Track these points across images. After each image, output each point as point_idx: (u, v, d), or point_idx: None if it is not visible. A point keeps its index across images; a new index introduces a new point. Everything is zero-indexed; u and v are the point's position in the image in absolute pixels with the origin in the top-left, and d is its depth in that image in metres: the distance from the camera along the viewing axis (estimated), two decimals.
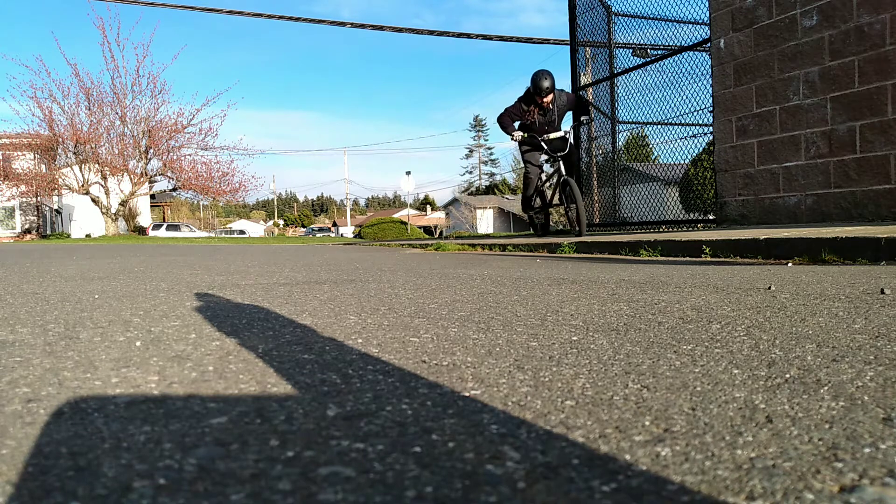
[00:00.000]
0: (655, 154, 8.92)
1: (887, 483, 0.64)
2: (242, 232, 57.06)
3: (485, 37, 16.74)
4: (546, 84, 7.20)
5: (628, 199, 9.07)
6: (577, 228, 7.02)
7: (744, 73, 6.48)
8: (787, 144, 6.08)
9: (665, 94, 8.07)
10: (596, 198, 9.41)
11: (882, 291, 2.11)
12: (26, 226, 29.64)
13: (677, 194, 8.49)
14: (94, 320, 1.81)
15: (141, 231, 30.50)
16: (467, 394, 0.99)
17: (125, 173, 25.46)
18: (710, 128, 7.09)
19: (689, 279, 2.79)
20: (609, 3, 9.07)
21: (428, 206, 77.36)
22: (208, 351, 1.35)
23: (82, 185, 25.28)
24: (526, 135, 7.50)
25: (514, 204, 56.58)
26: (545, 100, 7.26)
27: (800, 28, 5.91)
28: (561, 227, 6.70)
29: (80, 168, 25.21)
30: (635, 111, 8.69)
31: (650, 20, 8.34)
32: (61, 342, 1.46)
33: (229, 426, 0.84)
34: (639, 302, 2.05)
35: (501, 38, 16.72)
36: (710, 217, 7.54)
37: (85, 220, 33.44)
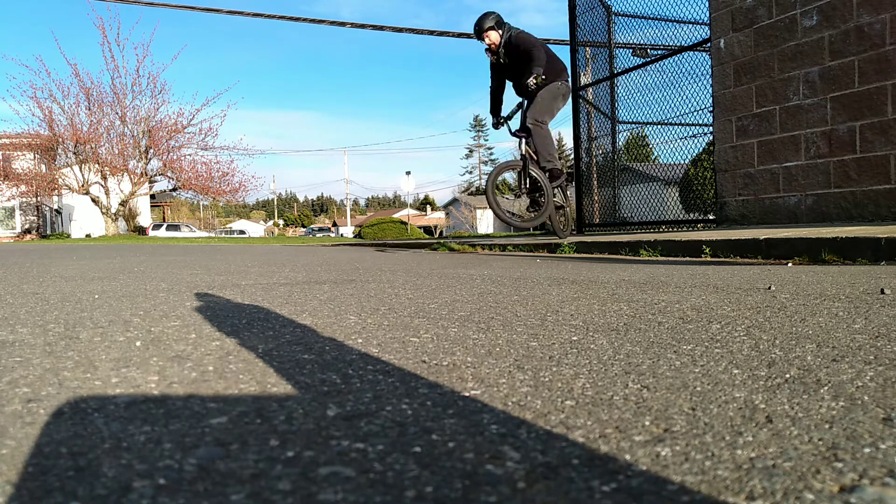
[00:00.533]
0: (655, 154, 8.92)
1: (887, 483, 0.64)
2: (242, 232, 57.07)
3: None
4: (485, 23, 5.92)
5: (628, 199, 9.07)
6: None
7: (744, 73, 6.48)
8: (787, 144, 6.08)
9: (665, 94, 8.08)
10: (596, 198, 9.41)
11: (882, 291, 2.11)
12: (26, 226, 29.63)
13: (677, 194, 8.49)
14: (94, 320, 1.81)
15: (141, 231, 30.49)
16: (467, 394, 0.99)
17: (125, 173, 25.47)
18: (710, 128, 7.10)
19: (689, 279, 2.79)
20: (609, 3, 9.07)
21: (428, 206, 77.38)
22: (208, 351, 1.35)
23: (82, 185, 25.28)
24: (502, 118, 6.30)
25: (514, 204, 56.58)
26: (489, 40, 5.98)
27: (800, 28, 5.91)
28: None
29: (80, 168, 25.21)
30: (635, 111, 8.70)
31: (650, 20, 8.34)
32: (61, 342, 1.46)
33: (229, 426, 0.84)
34: (639, 302, 2.05)
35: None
36: (710, 217, 7.54)
37: (85, 220, 33.43)
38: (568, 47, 9.73)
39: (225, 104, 42.83)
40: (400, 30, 16.46)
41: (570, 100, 7.61)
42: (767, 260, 3.95)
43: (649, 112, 8.42)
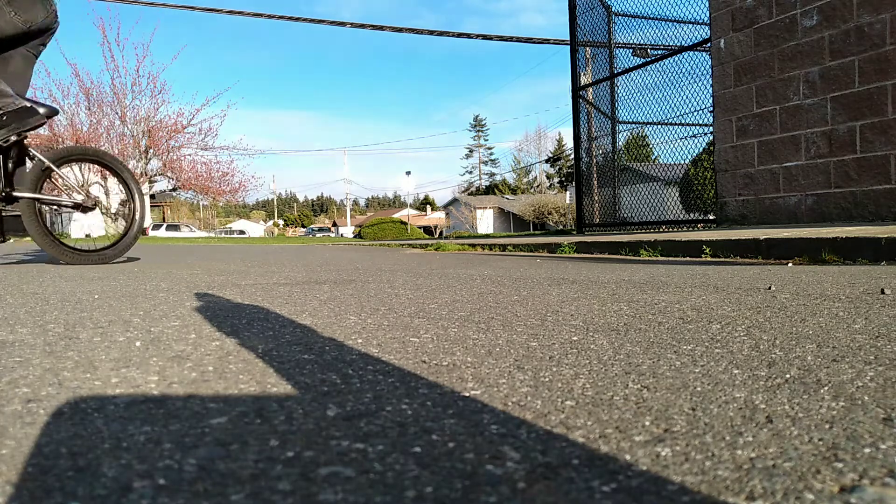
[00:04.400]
0: (655, 154, 8.93)
1: (887, 483, 0.64)
2: (242, 232, 57.05)
3: (485, 37, 16.74)
4: None
5: (628, 199, 9.07)
6: None
7: (744, 72, 6.48)
8: (788, 144, 6.08)
9: (665, 94, 8.08)
10: (596, 198, 9.41)
11: (882, 291, 2.11)
12: None
13: (677, 194, 8.49)
14: (94, 320, 1.81)
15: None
16: (467, 394, 0.99)
17: None
18: (710, 128, 7.10)
19: (690, 279, 2.79)
20: (609, 3, 9.08)
21: (428, 206, 77.41)
22: (208, 351, 1.35)
23: (82, 186, 25.29)
24: None
25: (514, 204, 56.67)
26: None
27: (800, 28, 5.91)
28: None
29: (80, 168, 25.22)
30: (635, 111, 8.71)
31: (650, 20, 8.34)
32: (61, 342, 1.46)
33: (229, 426, 0.84)
34: (639, 302, 2.05)
35: (501, 38, 16.72)
36: (711, 217, 7.54)
37: (85, 220, 33.42)
38: (568, 47, 9.73)
39: (225, 104, 42.83)
40: (400, 30, 16.46)
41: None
42: (767, 260, 3.95)
43: (649, 112, 8.43)
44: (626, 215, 9.09)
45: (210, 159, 28.85)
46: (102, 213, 25.37)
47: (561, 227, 38.18)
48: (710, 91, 6.94)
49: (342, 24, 16.58)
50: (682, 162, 8.15)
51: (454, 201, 63.36)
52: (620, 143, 9.16)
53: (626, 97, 8.80)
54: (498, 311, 1.92)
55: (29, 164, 4.32)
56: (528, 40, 17.58)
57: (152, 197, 36.18)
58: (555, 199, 49.87)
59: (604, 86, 9.14)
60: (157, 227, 36.81)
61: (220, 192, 26.91)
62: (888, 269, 2.98)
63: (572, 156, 9.92)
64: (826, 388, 0.99)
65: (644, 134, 9.00)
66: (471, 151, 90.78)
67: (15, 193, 4.15)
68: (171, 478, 0.67)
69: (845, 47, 5.52)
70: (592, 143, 9.47)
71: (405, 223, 35.76)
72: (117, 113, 25.12)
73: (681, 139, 8.03)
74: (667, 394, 0.98)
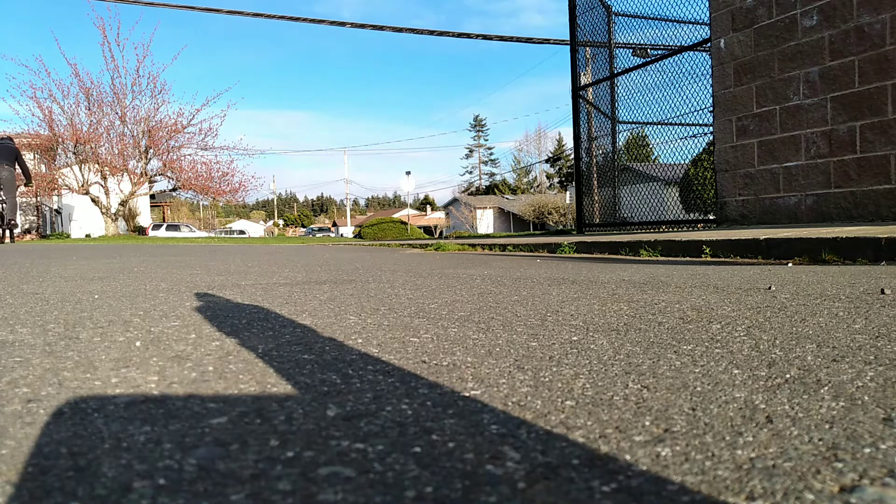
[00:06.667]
0: (655, 154, 8.92)
1: (887, 483, 0.64)
2: (242, 232, 57.01)
3: (485, 37, 16.75)
4: None
5: (628, 199, 9.07)
6: None
7: (744, 72, 6.48)
8: (788, 144, 6.08)
9: (665, 94, 8.08)
10: (596, 198, 9.41)
11: (882, 291, 2.11)
12: (26, 226, 29.63)
13: (677, 194, 8.49)
14: (93, 320, 1.80)
15: (141, 231, 30.49)
16: (467, 394, 0.99)
17: (125, 173, 25.45)
18: (710, 128, 7.10)
19: (690, 279, 2.79)
20: (609, 3, 9.08)
21: (428, 206, 77.41)
22: (208, 351, 1.35)
23: (82, 185, 25.29)
24: None
25: (514, 204, 56.70)
26: None
27: (800, 28, 5.91)
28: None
29: (80, 168, 25.21)
30: (635, 111, 8.70)
31: (650, 20, 8.34)
32: (61, 342, 1.46)
33: (229, 426, 0.84)
34: (639, 302, 2.05)
35: (501, 38, 16.73)
36: (711, 217, 7.54)
37: (85, 220, 33.41)
38: (568, 47, 9.73)
39: (225, 104, 42.74)
40: (400, 30, 16.47)
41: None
42: (767, 260, 3.95)
43: (649, 112, 8.43)
44: (626, 215, 9.09)
45: (210, 159, 28.72)
46: (102, 213, 25.39)
47: (561, 227, 38.11)
48: (710, 91, 6.94)
49: (342, 24, 16.59)
50: (682, 162, 8.15)
51: (454, 201, 63.35)
52: (620, 143, 9.16)
53: (626, 97, 8.80)
54: (498, 311, 1.92)
55: None
56: (528, 40, 17.59)
57: (152, 197, 36.16)
58: (555, 199, 49.87)
59: (604, 86, 9.14)
60: (157, 227, 36.77)
61: (220, 192, 26.85)
62: (888, 269, 2.98)
63: (572, 156, 9.92)
64: (826, 388, 0.99)
65: (644, 134, 9.00)
66: (471, 151, 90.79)
67: None
68: (171, 478, 0.67)
69: (845, 47, 5.52)
70: (592, 143, 9.47)
71: (405, 223, 35.77)
72: (117, 113, 25.07)
73: (681, 139, 8.03)
74: (667, 394, 0.98)
